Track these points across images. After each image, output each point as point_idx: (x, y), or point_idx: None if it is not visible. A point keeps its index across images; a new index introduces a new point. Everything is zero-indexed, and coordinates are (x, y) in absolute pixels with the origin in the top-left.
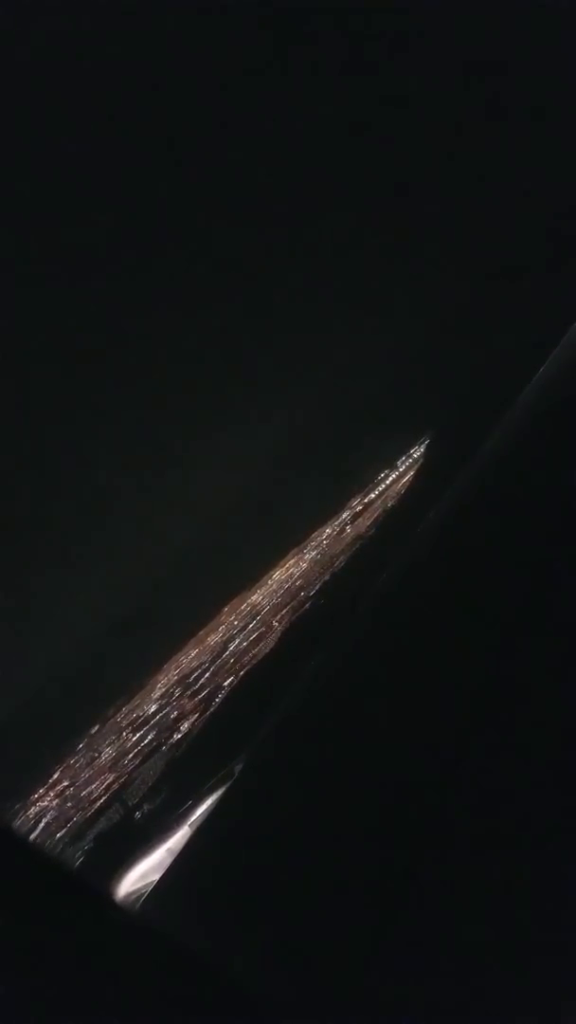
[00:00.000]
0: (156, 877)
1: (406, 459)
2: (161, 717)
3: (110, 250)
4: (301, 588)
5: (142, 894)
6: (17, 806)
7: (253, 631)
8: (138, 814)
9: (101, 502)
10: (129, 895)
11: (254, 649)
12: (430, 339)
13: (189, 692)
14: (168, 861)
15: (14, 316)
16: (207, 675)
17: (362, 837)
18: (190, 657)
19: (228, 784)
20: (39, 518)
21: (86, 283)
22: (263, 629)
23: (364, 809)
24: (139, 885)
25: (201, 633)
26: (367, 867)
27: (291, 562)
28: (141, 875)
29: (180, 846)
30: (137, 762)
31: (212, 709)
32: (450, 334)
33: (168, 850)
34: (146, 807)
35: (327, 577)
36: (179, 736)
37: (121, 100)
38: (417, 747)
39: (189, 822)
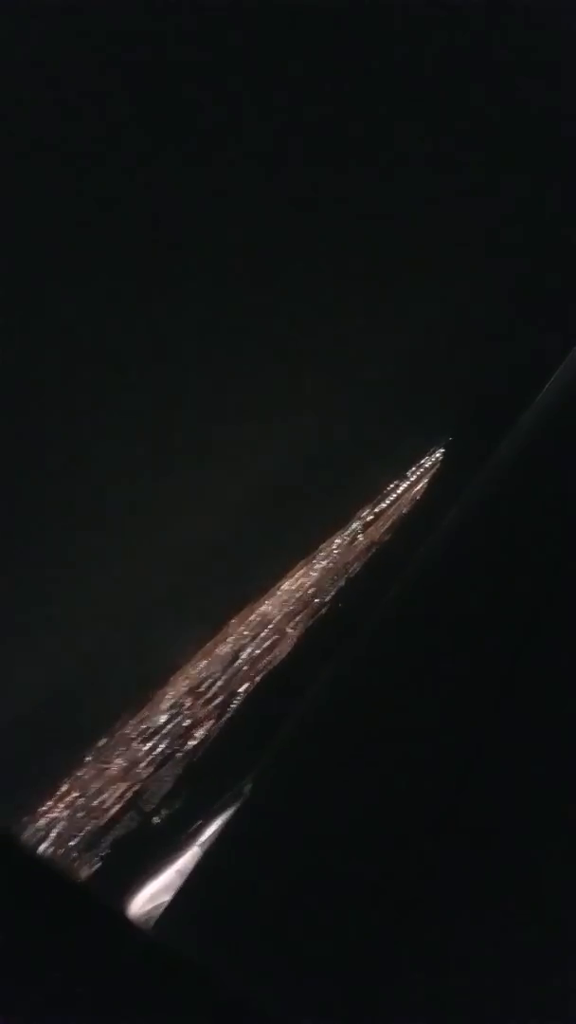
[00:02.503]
0: (167, 898)
1: (416, 468)
2: (173, 727)
3: (113, 257)
4: (314, 596)
5: (153, 915)
6: (26, 817)
7: (266, 639)
8: (149, 830)
9: (108, 514)
10: (140, 916)
11: (268, 656)
12: (440, 351)
13: (201, 701)
14: (179, 882)
15: (20, 338)
16: (219, 684)
17: (373, 855)
18: (199, 668)
19: (239, 803)
20: (47, 529)
21: (91, 296)
22: (276, 637)
23: (375, 824)
24: (150, 906)
25: (209, 644)
26: (378, 886)
27: (300, 572)
28: (151, 896)
29: (191, 867)
30: (149, 771)
31: (226, 716)
32: (461, 346)
33: (179, 871)
34: (157, 823)
35: (342, 583)
36: (193, 744)
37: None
38: (429, 759)
39: (200, 842)
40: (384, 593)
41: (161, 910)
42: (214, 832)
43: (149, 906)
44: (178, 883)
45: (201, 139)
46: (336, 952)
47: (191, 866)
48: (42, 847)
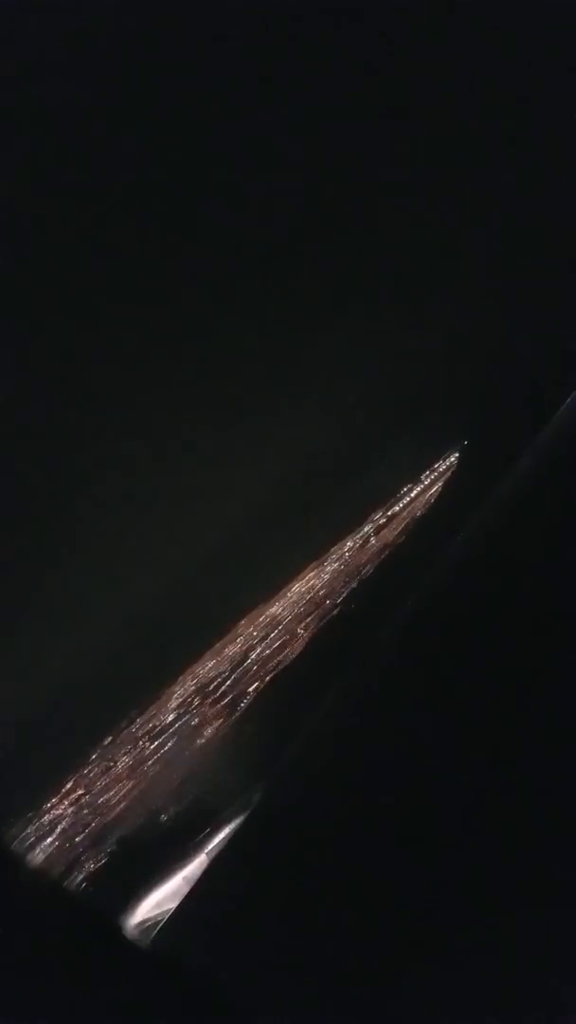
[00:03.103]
0: (172, 906)
1: (430, 472)
2: (180, 725)
3: (116, 259)
4: (326, 597)
5: (158, 922)
6: (30, 813)
7: (276, 640)
8: (155, 828)
9: (119, 516)
10: (144, 923)
11: (278, 656)
12: (458, 354)
13: (210, 700)
14: (185, 890)
15: (21, 350)
16: (228, 683)
17: (378, 864)
18: (207, 668)
19: (247, 812)
20: (56, 530)
21: (97, 301)
22: (287, 637)
23: (384, 835)
24: (155, 913)
25: (218, 644)
26: (381, 895)
27: (311, 574)
28: (156, 903)
29: (196, 875)
30: (156, 769)
31: (235, 716)
32: (480, 350)
33: (185, 878)
34: (164, 821)
35: (354, 585)
36: (200, 743)
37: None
38: (440, 767)
39: (206, 850)
40: (396, 596)
41: (166, 917)
42: (221, 840)
43: (155, 912)
44: (184, 890)
45: (208, 142)
46: (337, 959)
47: (198, 874)
48: (46, 843)
